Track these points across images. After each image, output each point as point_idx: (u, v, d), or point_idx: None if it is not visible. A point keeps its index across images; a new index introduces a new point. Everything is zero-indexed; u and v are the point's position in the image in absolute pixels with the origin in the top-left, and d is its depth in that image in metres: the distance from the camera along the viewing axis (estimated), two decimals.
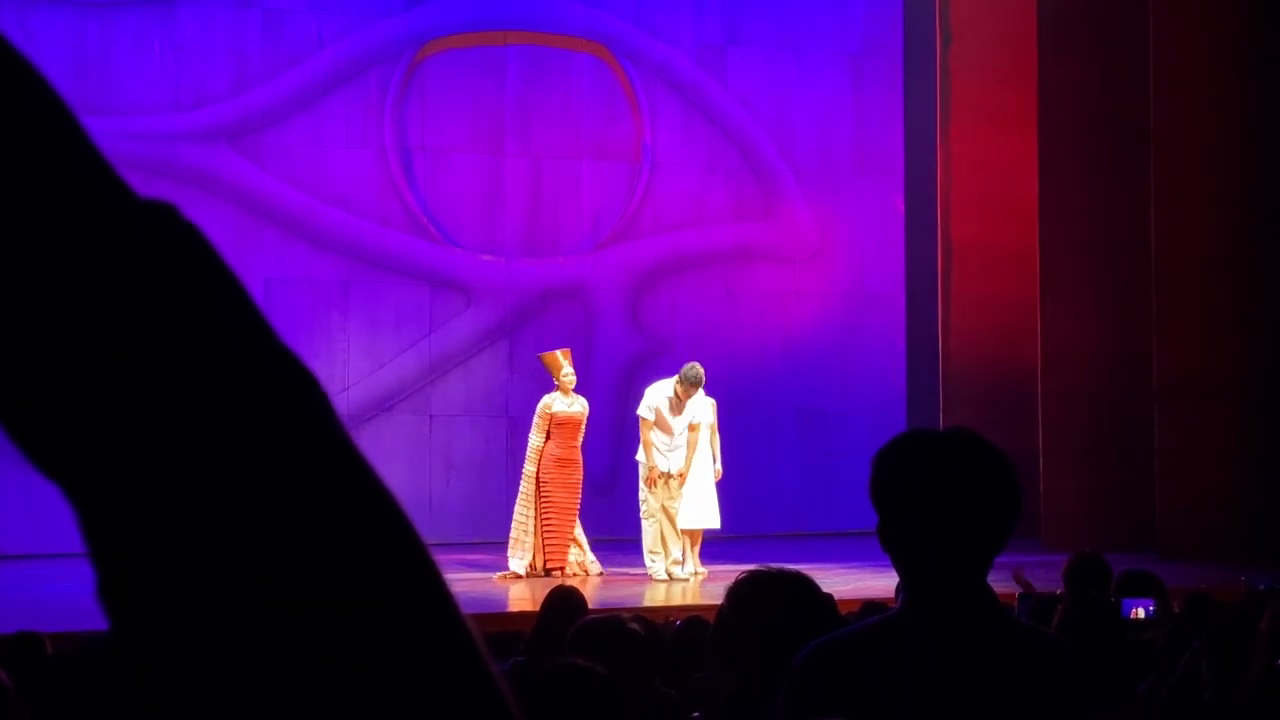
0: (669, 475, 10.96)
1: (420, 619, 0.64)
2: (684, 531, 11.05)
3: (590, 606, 6.03)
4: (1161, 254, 12.57)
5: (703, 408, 11.13)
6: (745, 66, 15.19)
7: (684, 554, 11.03)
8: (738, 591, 3.16)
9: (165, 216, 0.65)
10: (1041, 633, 2.61)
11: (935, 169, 15.28)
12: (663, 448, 11.00)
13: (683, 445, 11.02)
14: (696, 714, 3.57)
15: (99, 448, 0.62)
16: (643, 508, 11.08)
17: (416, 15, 14.25)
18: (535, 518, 10.99)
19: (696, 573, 10.93)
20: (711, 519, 11.09)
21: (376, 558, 0.63)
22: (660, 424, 10.98)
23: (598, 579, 11.03)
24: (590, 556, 11.20)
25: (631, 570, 11.24)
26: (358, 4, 14.12)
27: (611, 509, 13.04)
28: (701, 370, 11.03)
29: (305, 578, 0.62)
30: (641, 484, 11.08)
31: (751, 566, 3.31)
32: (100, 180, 0.64)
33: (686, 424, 11.02)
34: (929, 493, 2.25)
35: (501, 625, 8.05)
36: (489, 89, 14.41)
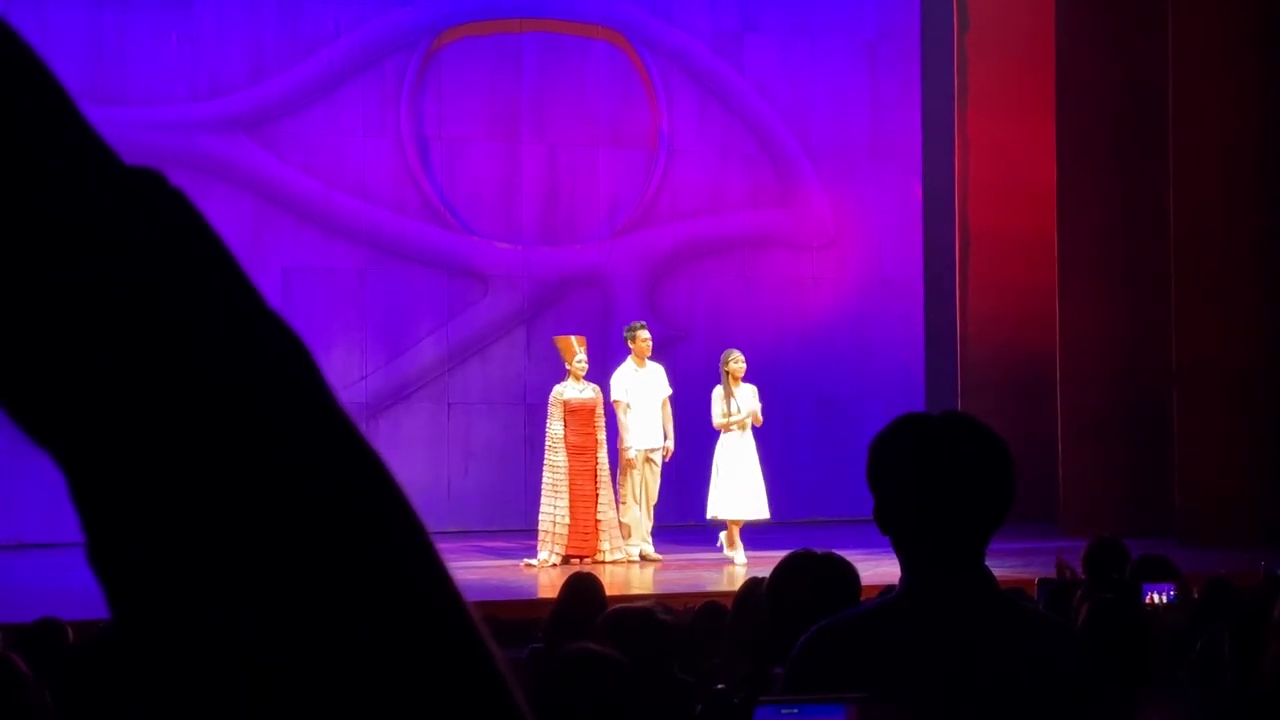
0: (649, 453, 11.15)
1: (423, 606, 0.63)
2: (730, 521, 11.09)
3: (610, 593, 6.04)
4: (1180, 238, 12.52)
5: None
6: (762, 53, 15.16)
7: (730, 541, 11.08)
8: (784, 570, 3.21)
9: (152, 182, 0.64)
10: (1046, 617, 2.61)
11: (953, 154, 15.24)
12: (635, 427, 11.18)
13: (657, 421, 11.21)
14: (721, 686, 3.59)
15: (86, 410, 0.61)
16: (621, 492, 11.20)
17: (432, 3, 14.26)
18: (569, 507, 11.01)
19: (736, 562, 10.88)
20: (760, 509, 11.10)
21: (374, 539, 0.63)
22: (634, 402, 11.23)
23: (641, 564, 11.06)
24: (625, 542, 11.19)
25: (650, 555, 11.26)
26: None
27: None
28: (638, 327, 11.39)
29: (300, 558, 0.61)
30: (622, 473, 11.19)
31: (796, 550, 3.36)
32: (86, 146, 0.64)
33: (658, 399, 11.23)
34: (921, 476, 2.27)
35: (527, 612, 8.07)
36: (505, 77, 14.41)
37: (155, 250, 0.63)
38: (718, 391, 11.20)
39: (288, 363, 0.64)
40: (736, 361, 11.18)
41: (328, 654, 0.61)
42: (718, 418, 11.14)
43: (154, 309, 0.62)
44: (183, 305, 0.63)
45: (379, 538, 0.64)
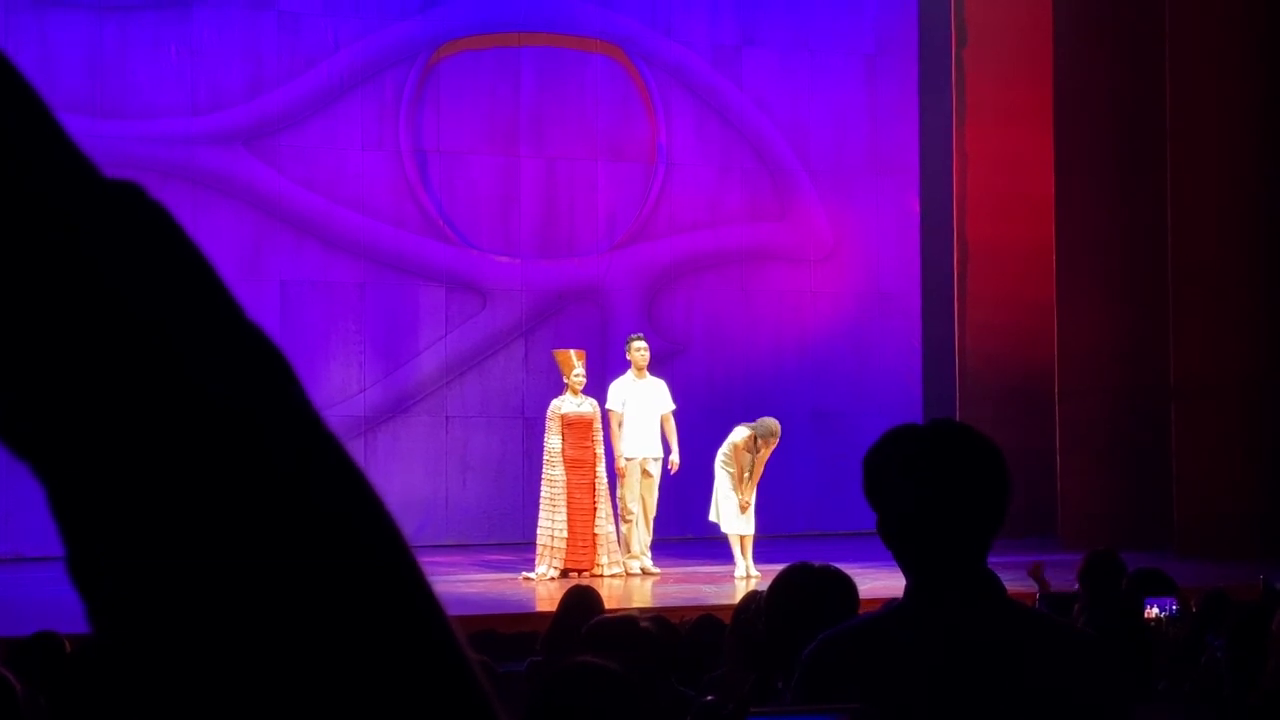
0: (644, 463, 11.21)
1: (402, 614, 0.63)
2: (739, 536, 11.10)
3: (608, 606, 6.04)
4: (1178, 251, 12.53)
5: (654, 390, 11.36)
6: (760, 67, 15.18)
7: (737, 556, 11.08)
8: (781, 582, 3.21)
9: (133, 194, 0.64)
10: (1055, 623, 2.60)
11: (950, 168, 15.26)
12: (628, 436, 11.27)
13: (654, 432, 11.30)
14: (710, 697, 3.58)
15: (66, 420, 0.61)
16: (619, 506, 11.20)
17: (431, 17, 14.28)
18: (567, 521, 11.00)
19: (749, 576, 10.88)
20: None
21: (355, 548, 0.63)
22: (629, 413, 11.33)
23: (637, 578, 11.06)
24: (622, 555, 11.19)
25: (650, 568, 11.25)
26: (373, 6, 14.15)
27: None
28: (635, 339, 11.52)
29: (282, 570, 0.61)
30: (620, 484, 11.19)
31: (796, 563, 3.36)
32: (67, 158, 0.64)
33: (656, 411, 11.33)
34: (917, 486, 2.27)
35: (525, 626, 8.07)
36: (504, 90, 14.43)
37: (135, 261, 0.63)
38: (744, 445, 11.13)
39: (268, 373, 0.64)
40: (774, 437, 11.11)
41: (309, 664, 0.61)
42: (738, 472, 11.10)
43: (134, 319, 0.62)
44: (163, 315, 0.62)
45: (360, 547, 0.63)
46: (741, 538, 11.06)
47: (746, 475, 11.05)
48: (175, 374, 0.62)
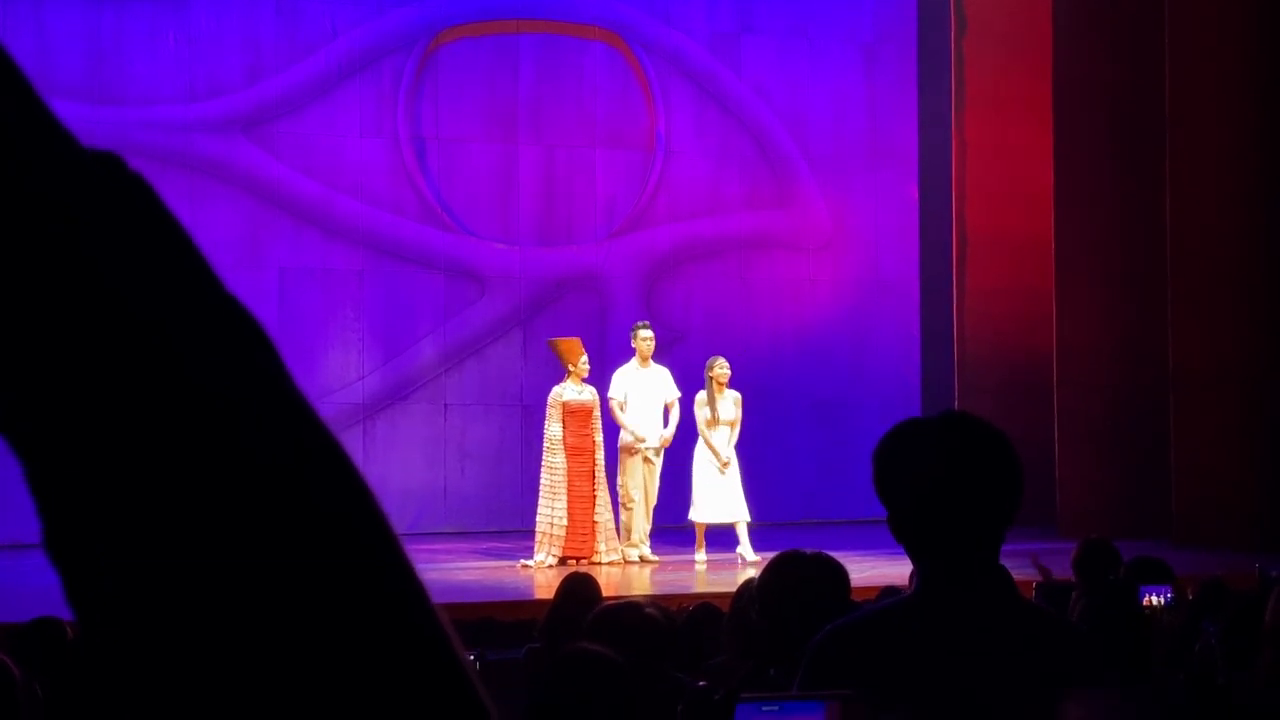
0: (646, 452, 11.24)
1: (396, 613, 0.63)
2: (703, 525, 11.22)
3: (606, 594, 6.05)
4: (1177, 241, 12.52)
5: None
6: (759, 55, 15.17)
7: (699, 542, 11.15)
8: (774, 568, 3.21)
9: (113, 166, 0.64)
10: (1060, 619, 2.61)
11: (949, 157, 15.25)
12: (630, 424, 11.30)
13: (657, 421, 11.33)
14: (703, 683, 3.60)
15: (44, 396, 0.61)
16: (620, 494, 11.21)
17: (430, 4, 14.26)
18: (566, 508, 11.02)
19: (744, 563, 10.87)
20: (736, 513, 11.17)
21: (338, 531, 0.62)
22: (632, 401, 11.36)
23: (635, 566, 11.10)
24: (622, 543, 11.22)
25: (648, 557, 11.27)
26: None
27: None
28: (641, 327, 11.56)
29: (264, 554, 0.61)
30: (620, 471, 11.21)
31: (789, 550, 3.37)
32: (46, 128, 0.63)
33: (659, 400, 11.36)
34: (925, 476, 2.26)
35: (523, 613, 8.08)
36: (503, 78, 14.41)
37: (129, 252, 0.62)
38: (700, 398, 11.26)
39: (260, 365, 0.64)
40: (721, 368, 11.26)
41: (303, 662, 0.61)
42: (701, 424, 11.22)
43: (136, 320, 0.61)
44: (162, 314, 0.62)
45: (359, 547, 0.63)
46: (739, 526, 11.11)
47: (716, 419, 11.10)
48: (177, 375, 0.61)
